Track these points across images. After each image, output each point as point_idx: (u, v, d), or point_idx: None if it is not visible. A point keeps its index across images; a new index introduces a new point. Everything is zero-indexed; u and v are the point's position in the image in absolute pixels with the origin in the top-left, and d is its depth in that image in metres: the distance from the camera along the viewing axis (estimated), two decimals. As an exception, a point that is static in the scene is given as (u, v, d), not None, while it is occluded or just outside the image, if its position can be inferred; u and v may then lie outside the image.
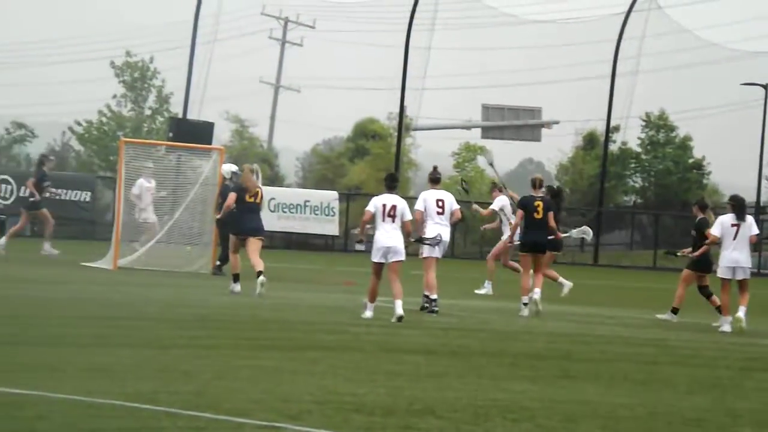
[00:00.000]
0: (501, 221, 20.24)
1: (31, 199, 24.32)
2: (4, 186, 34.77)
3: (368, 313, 13.80)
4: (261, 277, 16.28)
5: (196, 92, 40.15)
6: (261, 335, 11.45)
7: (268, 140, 52.22)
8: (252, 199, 17.32)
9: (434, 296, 15.05)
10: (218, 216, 19.39)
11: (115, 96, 47.06)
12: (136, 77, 47.30)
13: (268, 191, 38.82)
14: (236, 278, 16.86)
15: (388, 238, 13.75)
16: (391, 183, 14.22)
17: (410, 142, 48.89)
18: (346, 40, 50.07)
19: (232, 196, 17.43)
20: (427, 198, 15.55)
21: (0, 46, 53.97)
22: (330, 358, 9.90)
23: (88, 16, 52.87)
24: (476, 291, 20.01)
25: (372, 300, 13.87)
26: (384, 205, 13.83)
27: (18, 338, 10.06)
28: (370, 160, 47.09)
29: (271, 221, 37.13)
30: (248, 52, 51.15)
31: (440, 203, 15.48)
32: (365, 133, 48.81)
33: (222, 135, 46.11)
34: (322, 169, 48.84)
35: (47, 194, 24.46)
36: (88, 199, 36.39)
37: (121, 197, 21.88)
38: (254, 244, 17.02)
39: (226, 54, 44.94)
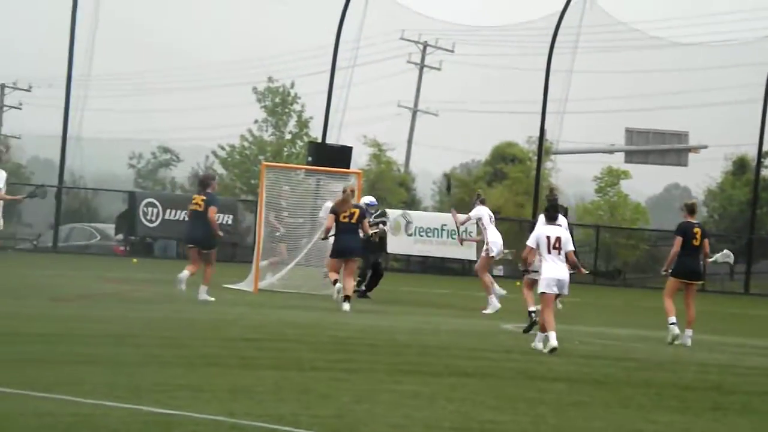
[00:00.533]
0: (484, 236, 19.49)
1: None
2: (150, 209, 35.66)
3: (545, 344, 13.13)
4: (346, 305, 16.89)
5: (335, 117, 40.57)
6: (399, 360, 11.38)
7: (405, 164, 52.36)
8: (347, 220, 17.47)
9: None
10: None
11: (256, 121, 47.91)
12: (278, 102, 48.08)
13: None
14: (347, 299, 17.21)
15: (558, 270, 13.29)
16: (553, 214, 13.77)
17: (550, 166, 48.36)
18: (485, 64, 49.83)
19: (330, 218, 17.61)
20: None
21: (145, 73, 55.60)
22: (470, 384, 9.75)
23: (232, 43, 54.02)
24: (483, 311, 18.81)
25: (544, 331, 13.20)
26: (548, 237, 13.43)
27: (162, 359, 10.22)
28: (509, 184, 46.74)
29: (408, 245, 37.24)
30: (387, 76, 51.51)
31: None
32: (504, 156, 48.49)
33: (360, 159, 46.43)
34: (460, 193, 48.69)
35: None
36: (230, 222, 37.05)
37: (262, 220, 22.15)
38: (350, 266, 17.24)
39: (364, 78, 45.31)
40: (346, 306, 16.89)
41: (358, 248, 17.79)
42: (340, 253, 17.54)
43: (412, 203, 46.92)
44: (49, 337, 11.37)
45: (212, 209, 17.87)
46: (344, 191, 18.13)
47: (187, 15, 51.22)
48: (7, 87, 61.24)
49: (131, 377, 8.84)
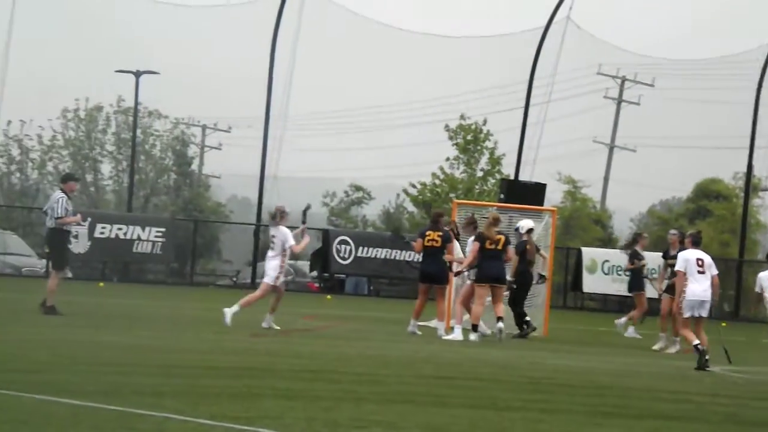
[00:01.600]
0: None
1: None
2: (344, 246, 36.17)
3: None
4: (500, 323, 17.17)
5: (529, 153, 40.30)
6: (598, 401, 11.02)
7: (601, 201, 51.48)
8: (492, 246, 17.26)
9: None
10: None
11: (448, 158, 48.03)
12: (469, 140, 48.10)
13: (600, 253, 38.38)
14: (475, 328, 17.53)
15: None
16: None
17: (759, 203, 46.68)
18: (687, 98, 48.53)
19: (474, 246, 17.58)
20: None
21: (340, 112, 56.64)
22: (673, 428, 9.36)
23: (424, 82, 54.48)
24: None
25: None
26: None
27: (358, 394, 10.20)
28: (713, 221, 45.33)
29: (605, 284, 36.48)
30: (582, 111, 50.83)
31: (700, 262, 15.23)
32: (707, 193, 47.08)
33: (553, 196, 45.90)
34: (659, 230, 47.48)
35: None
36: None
37: (452, 259, 22.02)
38: (498, 292, 17.22)
39: (559, 114, 44.86)
40: (501, 324, 17.04)
41: (505, 275, 18.11)
42: (487, 279, 17.56)
43: (608, 241, 46.04)
44: (249, 371, 11.55)
45: (450, 246, 18.34)
46: (493, 218, 18.15)
47: (378, 54, 51.97)
48: (209, 128, 63.58)
49: (328, 412, 8.85)
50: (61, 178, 19.80)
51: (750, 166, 41.25)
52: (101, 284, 30.25)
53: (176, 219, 41.12)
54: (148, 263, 36.93)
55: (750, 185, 42.16)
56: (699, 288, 14.94)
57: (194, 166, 53.14)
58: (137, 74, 38.23)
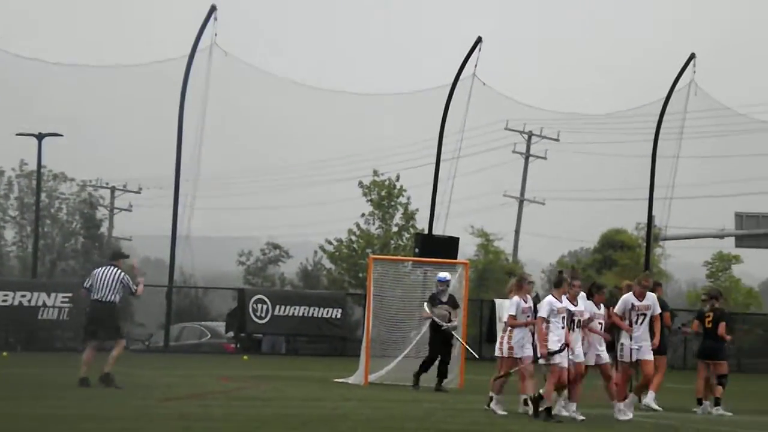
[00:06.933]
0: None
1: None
2: (260, 305, 36.06)
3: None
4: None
5: (441, 208, 40.70)
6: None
7: (513, 253, 52.16)
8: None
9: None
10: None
11: (363, 214, 48.32)
12: (383, 195, 48.50)
13: (508, 304, 38.97)
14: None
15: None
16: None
17: (660, 252, 47.71)
18: (591, 152, 49.68)
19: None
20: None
21: (251, 172, 56.67)
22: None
23: (336, 140, 54.85)
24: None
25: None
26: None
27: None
28: (619, 271, 46.18)
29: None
30: (492, 166, 51.61)
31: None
32: (612, 243, 48.02)
33: (467, 249, 46.38)
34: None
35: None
36: (338, 315, 37.21)
37: (370, 313, 22.21)
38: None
39: (470, 169, 45.47)
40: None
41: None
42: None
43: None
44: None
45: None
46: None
47: (289, 111, 52.17)
48: (118, 189, 62.91)
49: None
50: (114, 255, 19.92)
51: (650, 217, 42.33)
52: (5, 354, 29.62)
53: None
54: (56, 330, 36.28)
55: (651, 235, 43.20)
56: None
57: (103, 229, 52.46)
58: (39, 137, 37.52)
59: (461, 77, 39.75)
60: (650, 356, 15.95)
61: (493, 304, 37.25)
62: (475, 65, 39.72)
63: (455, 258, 25.58)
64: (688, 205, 48.41)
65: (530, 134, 53.71)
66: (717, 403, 17.31)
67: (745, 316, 44.17)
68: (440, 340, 20.85)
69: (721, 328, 17.54)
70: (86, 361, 18.22)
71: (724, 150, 45.64)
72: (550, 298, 14.97)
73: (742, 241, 48.80)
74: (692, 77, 40.50)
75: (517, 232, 53.49)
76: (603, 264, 47.73)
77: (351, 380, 21.58)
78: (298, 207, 52.04)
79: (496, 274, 46.84)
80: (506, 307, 16.82)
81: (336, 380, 21.74)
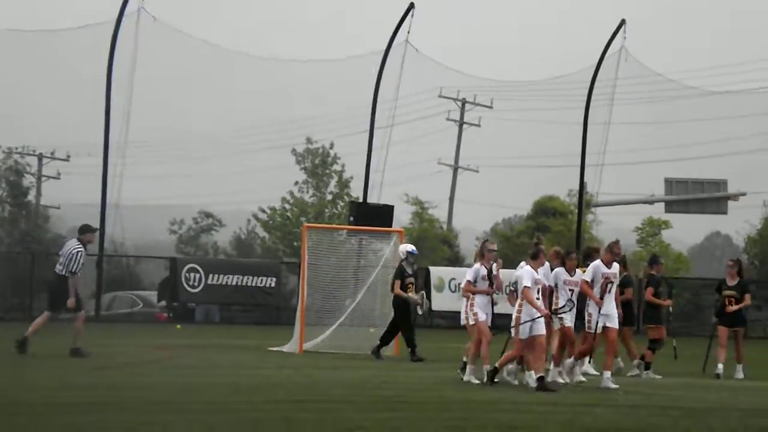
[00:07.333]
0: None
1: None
2: (193, 274, 35.81)
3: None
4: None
5: (376, 176, 40.65)
6: (445, 416, 11.30)
7: (447, 221, 52.33)
8: None
9: None
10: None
11: (297, 183, 48.13)
12: (317, 163, 48.32)
13: (447, 272, 39.06)
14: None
15: None
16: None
17: (591, 218, 48.20)
18: (524, 119, 49.95)
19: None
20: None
21: (183, 139, 56.10)
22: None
23: (269, 106, 54.44)
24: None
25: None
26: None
27: (208, 423, 10.19)
28: (551, 237, 46.59)
29: (453, 302, 37.05)
30: (426, 134, 51.69)
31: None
32: (545, 210, 48.39)
33: (402, 217, 46.44)
34: (503, 248, 48.58)
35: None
36: (273, 284, 37.10)
37: (304, 282, 22.15)
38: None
39: (404, 137, 45.46)
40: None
41: None
42: None
43: (455, 260, 46.79)
44: (93, 406, 11.38)
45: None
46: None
47: (221, 78, 51.62)
48: (45, 157, 61.80)
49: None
50: (79, 229, 19.19)
51: (582, 184, 42.74)
52: None
53: (11, 252, 40.01)
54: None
55: (583, 202, 43.63)
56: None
57: (31, 197, 51.63)
58: (-39, 104, 36.91)
59: (394, 44, 39.60)
60: (616, 324, 15.67)
61: (428, 271, 37.39)
62: (408, 32, 39.61)
63: (390, 226, 25.59)
64: (619, 172, 49.01)
65: (464, 101, 53.76)
66: (647, 367, 17.56)
67: (675, 281, 44.86)
68: (405, 314, 20.43)
69: (647, 293, 17.89)
70: (34, 324, 18.35)
71: (654, 116, 46.23)
72: (528, 268, 14.85)
73: (671, 206, 49.51)
74: (623, 44, 40.80)
75: (451, 199, 53.64)
76: (536, 231, 48.07)
77: (285, 349, 21.55)
78: (230, 175, 51.69)
79: (431, 242, 46.96)
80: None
81: (270, 349, 21.69)
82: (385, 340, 20.60)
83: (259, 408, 11.61)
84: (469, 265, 22.72)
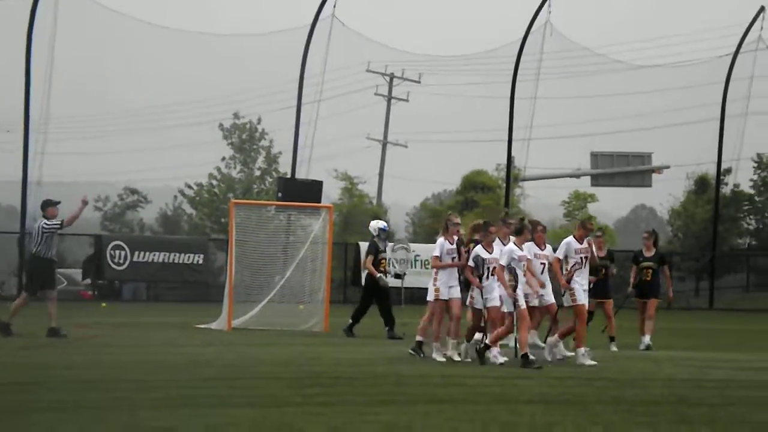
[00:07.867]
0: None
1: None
2: (118, 252, 35.43)
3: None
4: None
5: (304, 151, 40.55)
6: (375, 390, 11.31)
7: (377, 196, 52.38)
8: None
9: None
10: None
11: (224, 158, 47.79)
12: (245, 139, 48.01)
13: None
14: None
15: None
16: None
17: (519, 192, 48.58)
18: (451, 93, 50.12)
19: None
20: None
21: (108, 115, 55.44)
22: (445, 411, 9.73)
23: (195, 81, 53.93)
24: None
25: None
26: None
27: (133, 402, 10.09)
28: (480, 212, 46.87)
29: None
30: (354, 109, 51.60)
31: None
32: (474, 185, 48.65)
33: (331, 193, 46.38)
34: (433, 223, 48.75)
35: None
36: (200, 261, 36.86)
37: (232, 259, 22.02)
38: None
39: (332, 112, 45.35)
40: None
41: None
42: None
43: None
44: (17, 385, 11.22)
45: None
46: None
47: (144, 53, 51.02)
48: (-35, 133, 60.66)
49: (102, 422, 8.74)
50: (41, 206, 19.26)
51: (509, 158, 43.08)
52: None
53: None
54: None
55: (510, 176, 43.99)
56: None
57: (-52, 174, 50.69)
58: None
59: (320, 18, 39.42)
60: (586, 300, 15.25)
61: (358, 247, 37.42)
62: (334, 5, 39.47)
63: (319, 202, 25.59)
64: (545, 146, 49.49)
65: (392, 76, 53.73)
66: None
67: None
68: (377, 291, 20.27)
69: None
70: (13, 306, 18.77)
71: (580, 90, 46.64)
72: (511, 246, 14.61)
73: (597, 180, 50.09)
74: (548, 18, 41.09)
75: (380, 175, 53.69)
76: (465, 205, 48.35)
77: (214, 326, 21.43)
78: (156, 150, 51.12)
79: (361, 217, 46.97)
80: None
81: (199, 326, 21.55)
82: (356, 317, 20.51)
83: (186, 386, 11.53)
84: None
